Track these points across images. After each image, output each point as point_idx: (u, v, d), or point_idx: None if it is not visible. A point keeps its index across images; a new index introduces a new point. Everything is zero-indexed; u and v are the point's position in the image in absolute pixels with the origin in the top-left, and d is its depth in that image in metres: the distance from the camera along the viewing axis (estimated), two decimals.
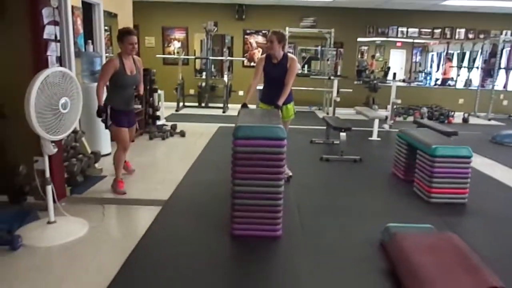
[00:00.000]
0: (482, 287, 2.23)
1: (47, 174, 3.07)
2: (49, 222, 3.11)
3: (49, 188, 3.09)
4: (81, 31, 5.49)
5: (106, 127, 4.05)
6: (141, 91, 4.41)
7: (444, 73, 11.77)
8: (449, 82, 11.69)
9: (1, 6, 3.36)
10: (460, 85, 11.57)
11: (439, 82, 11.89)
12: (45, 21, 3.41)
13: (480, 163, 5.63)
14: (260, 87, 4.44)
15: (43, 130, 2.89)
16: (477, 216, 3.80)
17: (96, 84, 5.22)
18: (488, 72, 11.04)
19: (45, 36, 3.41)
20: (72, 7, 5.15)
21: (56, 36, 3.55)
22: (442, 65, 11.82)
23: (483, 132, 8.27)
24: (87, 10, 5.89)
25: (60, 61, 3.75)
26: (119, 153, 4.11)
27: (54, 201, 3.14)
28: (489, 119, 10.21)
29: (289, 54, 4.26)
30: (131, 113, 4.24)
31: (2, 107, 3.34)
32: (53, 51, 3.52)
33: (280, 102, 4.10)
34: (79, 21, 5.40)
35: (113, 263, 2.69)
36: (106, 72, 3.83)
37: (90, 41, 5.46)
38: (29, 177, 3.32)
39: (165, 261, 2.80)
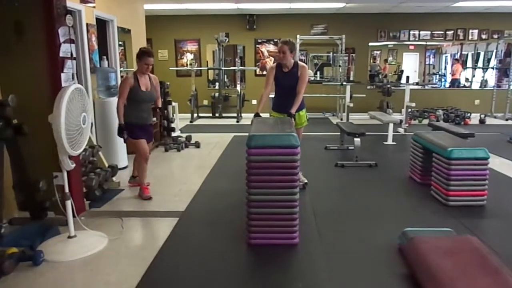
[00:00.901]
0: None
1: (66, 189, 3.14)
2: (69, 237, 3.17)
3: (69, 203, 3.15)
4: (96, 47, 5.61)
5: (125, 141, 4.34)
6: (159, 104, 4.72)
7: (453, 74, 11.66)
8: (464, 83, 11.57)
9: (21, 29, 3.48)
10: (475, 86, 11.42)
11: (448, 83, 11.79)
12: (61, 39, 3.50)
13: (499, 164, 5.55)
14: (272, 95, 4.47)
15: (69, 146, 2.97)
16: (496, 218, 3.74)
17: (111, 98, 5.36)
18: (504, 72, 10.89)
19: (61, 54, 3.51)
20: (87, 24, 5.28)
21: (72, 54, 3.65)
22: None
23: (501, 133, 8.14)
24: (102, 27, 6.02)
25: (77, 77, 3.85)
26: (138, 163, 4.37)
27: (73, 216, 3.20)
28: (507, 119, 10.04)
29: (300, 62, 4.28)
30: (148, 128, 4.43)
31: (22, 126, 3.42)
32: (69, 69, 3.62)
33: (293, 111, 4.11)
34: (94, 38, 5.53)
35: (134, 275, 2.72)
36: (123, 90, 4.09)
37: (104, 57, 5.58)
38: (49, 192, 3.39)
39: (184, 271, 2.83)
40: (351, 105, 8.54)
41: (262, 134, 3.07)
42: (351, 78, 10.67)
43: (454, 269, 2.41)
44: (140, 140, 4.25)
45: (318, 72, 11.54)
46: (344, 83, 9.28)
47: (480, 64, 11.50)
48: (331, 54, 11.42)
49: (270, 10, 10.06)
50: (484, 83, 11.36)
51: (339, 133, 6.77)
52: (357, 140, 5.62)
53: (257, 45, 10.80)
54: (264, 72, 10.49)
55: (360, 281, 2.67)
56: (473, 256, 2.54)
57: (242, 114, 10.20)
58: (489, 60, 11.33)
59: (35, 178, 3.40)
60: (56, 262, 2.91)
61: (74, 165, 3.16)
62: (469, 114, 9.72)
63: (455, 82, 11.54)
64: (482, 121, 9.66)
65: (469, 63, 11.65)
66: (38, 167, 3.49)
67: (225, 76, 11.01)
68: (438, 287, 2.31)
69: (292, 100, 4.14)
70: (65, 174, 3.12)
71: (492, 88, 10.85)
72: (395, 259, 2.91)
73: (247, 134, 3.14)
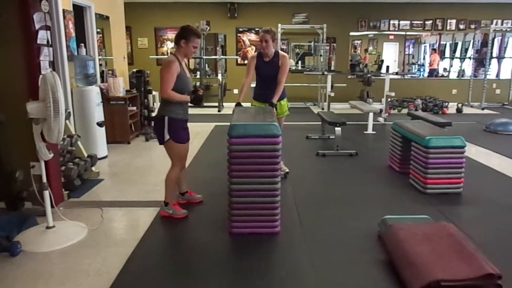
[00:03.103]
0: (478, 274, 2.26)
1: (44, 179, 3.08)
2: (48, 227, 3.13)
3: (47, 193, 3.10)
4: (73, 34, 5.48)
5: (161, 143, 3.39)
6: None
7: (430, 64, 11.84)
8: (442, 73, 11.75)
9: None
10: (453, 75, 11.62)
11: (426, 73, 11.98)
12: (37, 26, 3.40)
13: (475, 152, 5.68)
14: (253, 85, 4.46)
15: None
16: (472, 205, 3.83)
17: (90, 87, 5.26)
18: (481, 62, 11.10)
19: (37, 41, 3.41)
20: (64, 10, 5.14)
21: (48, 41, 3.55)
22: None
23: (477, 122, 8.32)
24: (79, 13, 5.87)
25: (53, 65, 3.75)
26: (174, 173, 3.48)
27: (52, 206, 3.14)
28: (483, 108, 10.27)
29: (280, 52, 4.27)
30: (187, 125, 3.56)
31: None
32: (46, 56, 3.52)
33: (274, 100, 4.11)
34: (71, 25, 5.39)
35: (114, 265, 2.70)
36: (172, 77, 3.22)
37: (82, 44, 5.46)
38: (26, 182, 3.33)
39: (165, 261, 2.82)
40: (332, 94, 8.59)
41: (243, 124, 3.06)
42: (332, 68, 10.72)
43: (431, 255, 2.47)
44: (185, 145, 3.49)
45: (300, 62, 11.55)
46: (325, 73, 9.32)
47: (457, 54, 11.69)
48: (312, 43, 11.43)
49: None
50: (461, 73, 11.57)
51: (320, 123, 6.81)
52: (338, 129, 5.66)
53: (238, 34, 10.72)
54: (246, 61, 10.45)
55: (341, 268, 2.71)
56: (449, 242, 2.61)
57: (224, 104, 10.15)
58: (466, 50, 11.52)
59: (11, 168, 3.33)
60: (34, 253, 2.87)
61: (52, 154, 3.10)
62: (446, 104, 9.90)
63: (433, 72, 11.73)
64: (459, 110, 9.86)
65: (447, 53, 11.83)
66: (14, 156, 3.42)
67: (206, 65, 10.91)
68: (415, 273, 2.36)
69: (273, 89, 4.13)
70: (43, 164, 3.06)
71: (469, 78, 11.07)
72: (375, 246, 2.96)
73: (228, 123, 3.13)
